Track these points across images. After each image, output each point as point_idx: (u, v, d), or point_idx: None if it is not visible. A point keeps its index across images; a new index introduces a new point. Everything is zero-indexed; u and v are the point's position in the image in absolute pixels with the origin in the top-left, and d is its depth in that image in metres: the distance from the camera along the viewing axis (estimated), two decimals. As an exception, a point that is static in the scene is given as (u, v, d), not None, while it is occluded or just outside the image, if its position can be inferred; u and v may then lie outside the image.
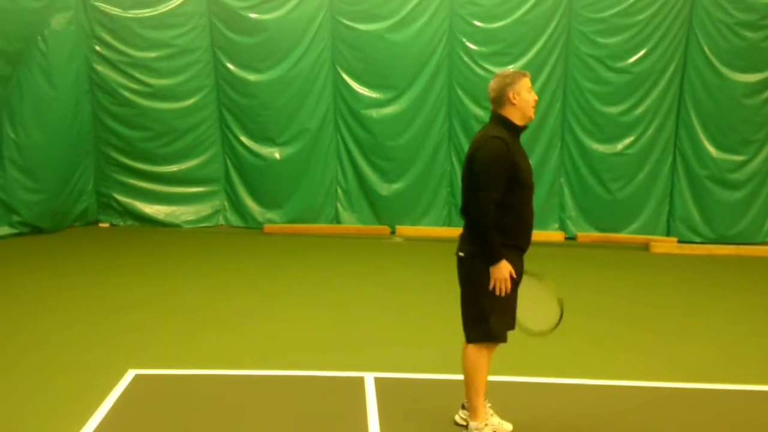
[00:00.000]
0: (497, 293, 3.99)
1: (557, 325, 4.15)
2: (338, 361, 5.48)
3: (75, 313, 6.72)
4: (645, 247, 10.49)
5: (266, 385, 5.02)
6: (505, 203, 4.00)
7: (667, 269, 9.35)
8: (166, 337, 6.11)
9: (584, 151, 10.97)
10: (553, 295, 4.17)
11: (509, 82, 4.08)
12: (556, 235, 10.93)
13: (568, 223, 11.11)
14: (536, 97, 4.12)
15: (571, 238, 10.97)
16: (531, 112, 4.09)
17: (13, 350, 5.70)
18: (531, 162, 4.24)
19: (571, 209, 11.14)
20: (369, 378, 5.06)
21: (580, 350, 5.95)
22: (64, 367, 5.33)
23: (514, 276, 4.01)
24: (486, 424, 4.20)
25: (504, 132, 4.05)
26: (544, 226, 10.95)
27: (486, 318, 4.07)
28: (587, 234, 10.97)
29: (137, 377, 5.07)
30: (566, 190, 11.14)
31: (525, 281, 4.18)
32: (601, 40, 10.68)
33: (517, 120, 4.09)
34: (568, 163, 11.08)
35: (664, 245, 10.48)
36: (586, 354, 5.89)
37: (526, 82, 4.07)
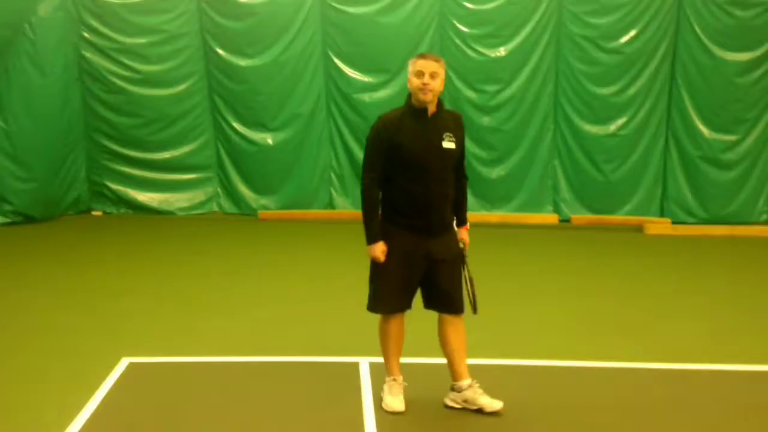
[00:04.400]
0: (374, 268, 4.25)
1: (472, 306, 4.31)
2: (333, 346, 5.49)
3: (69, 301, 6.71)
4: (639, 228, 10.49)
5: (260, 371, 5.02)
6: (394, 183, 4.13)
7: (661, 250, 9.36)
8: (160, 324, 6.10)
9: (577, 133, 10.95)
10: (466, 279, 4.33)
11: (408, 66, 4.18)
12: (550, 218, 10.95)
13: (562, 205, 11.10)
14: (424, 81, 4.03)
15: (565, 220, 10.97)
16: (420, 95, 4.07)
17: (7, 337, 5.69)
18: (448, 145, 4.14)
19: (565, 191, 11.12)
20: (364, 363, 5.06)
21: (574, 331, 5.96)
22: (58, 354, 5.32)
23: (381, 258, 4.15)
24: (393, 379, 4.39)
25: (400, 111, 4.16)
26: (538, 209, 10.99)
27: (370, 289, 4.34)
28: (581, 216, 10.96)
29: (131, 365, 5.05)
30: (560, 172, 11.11)
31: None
32: (592, 20, 10.64)
33: (415, 101, 4.13)
34: (561, 145, 11.05)
35: (658, 226, 10.48)
36: (579, 335, 5.90)
37: (415, 65, 4.09)
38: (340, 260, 8.50)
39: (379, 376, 4.61)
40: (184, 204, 11.19)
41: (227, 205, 11.29)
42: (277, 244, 9.46)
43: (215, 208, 11.27)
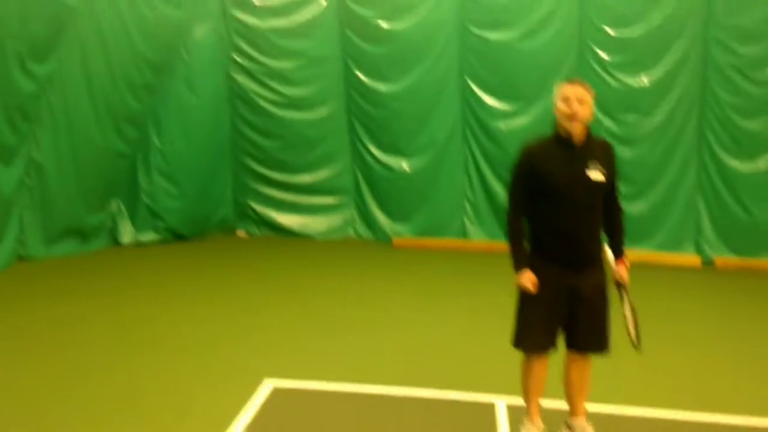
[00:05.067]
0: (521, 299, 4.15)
1: (634, 340, 4.21)
2: (468, 381, 5.48)
3: (215, 319, 7.07)
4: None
5: (397, 404, 5.09)
6: (539, 213, 4.06)
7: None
8: (299, 343, 6.37)
9: (723, 169, 10.45)
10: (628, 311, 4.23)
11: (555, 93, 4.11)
12: (691, 259, 10.46)
13: (705, 245, 10.60)
14: (571, 108, 3.93)
15: (707, 261, 10.46)
16: (566, 123, 3.97)
17: (160, 352, 6.05)
18: (595, 175, 4.01)
19: (708, 231, 10.61)
20: (500, 404, 5.03)
21: (711, 381, 5.73)
22: (203, 370, 5.64)
23: (531, 289, 4.04)
24: (531, 422, 4.31)
25: (545, 140, 4.09)
26: (678, 248, 10.55)
27: (515, 323, 4.24)
28: (725, 258, 10.42)
29: (275, 390, 5.25)
30: (703, 211, 10.63)
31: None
32: (740, 48, 10.17)
33: (560, 129, 4.03)
34: (705, 181, 10.58)
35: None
36: (716, 385, 5.65)
37: (562, 91, 4.01)
38: (473, 291, 8.54)
39: (516, 419, 4.60)
40: (322, 228, 11.47)
41: (363, 230, 11.50)
42: (411, 271, 9.57)
43: (351, 233, 11.49)
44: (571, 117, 3.94)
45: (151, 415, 4.80)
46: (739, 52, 10.19)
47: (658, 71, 10.43)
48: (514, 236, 4.15)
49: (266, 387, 5.29)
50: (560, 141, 4.03)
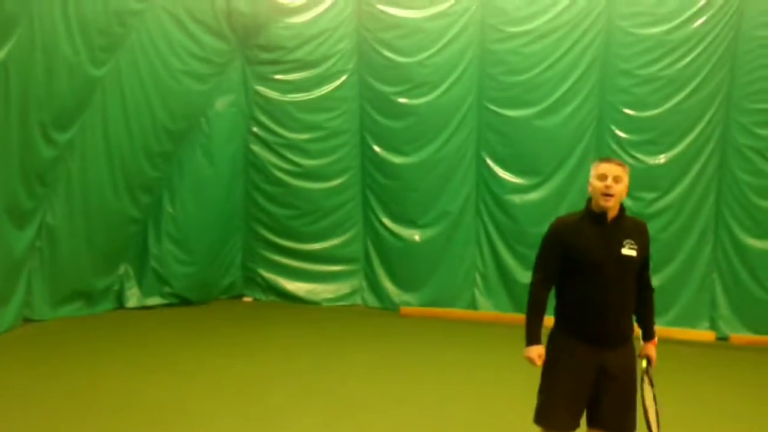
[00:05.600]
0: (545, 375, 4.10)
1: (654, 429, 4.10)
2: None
3: (214, 388, 6.92)
4: (806, 353, 9.60)
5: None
6: (568, 288, 4.04)
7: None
8: (304, 421, 6.15)
9: (739, 247, 10.24)
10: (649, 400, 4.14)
11: (591, 170, 4.13)
12: (706, 335, 10.19)
13: (720, 322, 10.33)
14: (607, 184, 3.95)
15: (722, 338, 10.20)
16: (600, 200, 3.98)
17: (155, 417, 5.92)
18: (627, 252, 3.99)
19: (724, 308, 10.35)
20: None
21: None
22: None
23: (536, 363, 4.04)
24: None
25: (580, 215, 4.12)
26: (693, 324, 10.29)
27: (537, 397, 4.15)
28: (741, 335, 10.15)
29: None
30: (718, 288, 10.38)
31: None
32: (759, 131, 10.10)
33: (594, 206, 4.05)
34: (721, 258, 10.36)
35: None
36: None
37: (598, 168, 4.03)
38: (481, 364, 8.36)
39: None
40: (330, 295, 11.39)
41: (370, 299, 11.39)
42: (418, 342, 9.41)
43: (359, 301, 11.40)
44: (606, 194, 3.95)
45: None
46: (759, 134, 10.10)
47: (677, 151, 10.35)
48: (534, 308, 4.11)
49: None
50: (593, 217, 4.05)
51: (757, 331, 10.16)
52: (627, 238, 4.00)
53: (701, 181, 10.32)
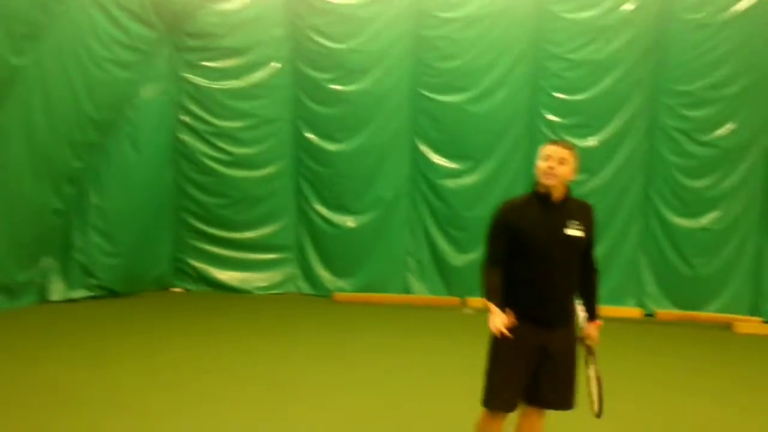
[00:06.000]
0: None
1: (596, 408, 4.14)
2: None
3: (149, 379, 6.70)
4: (727, 326, 9.91)
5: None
6: (514, 270, 4.00)
7: (751, 350, 8.82)
8: (236, 406, 6.01)
9: (666, 226, 10.56)
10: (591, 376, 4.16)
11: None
12: (633, 311, 10.46)
13: (646, 299, 10.62)
14: (550, 165, 3.93)
15: (649, 314, 10.46)
16: (543, 179, 3.97)
17: (85, 414, 5.69)
18: (573, 232, 3.98)
19: (650, 285, 10.65)
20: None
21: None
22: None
23: (501, 332, 3.81)
24: None
25: (526, 197, 4.07)
26: (621, 302, 10.52)
27: (486, 382, 4.10)
28: (666, 311, 10.44)
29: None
30: (645, 266, 10.68)
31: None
32: (687, 112, 10.37)
33: (540, 187, 4.02)
34: (648, 237, 10.65)
35: (749, 325, 9.89)
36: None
37: (544, 150, 4.02)
38: (415, 348, 8.31)
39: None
40: (263, 283, 11.26)
41: (304, 286, 11.30)
42: (352, 328, 9.32)
43: (292, 289, 11.29)
44: (549, 174, 3.94)
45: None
46: (687, 116, 10.37)
47: (606, 134, 10.53)
48: (491, 288, 4.00)
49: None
50: (539, 198, 4.02)
51: (681, 307, 10.49)
52: (572, 219, 4.00)
53: (631, 162, 10.56)
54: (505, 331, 3.81)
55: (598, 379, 4.13)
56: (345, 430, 5.54)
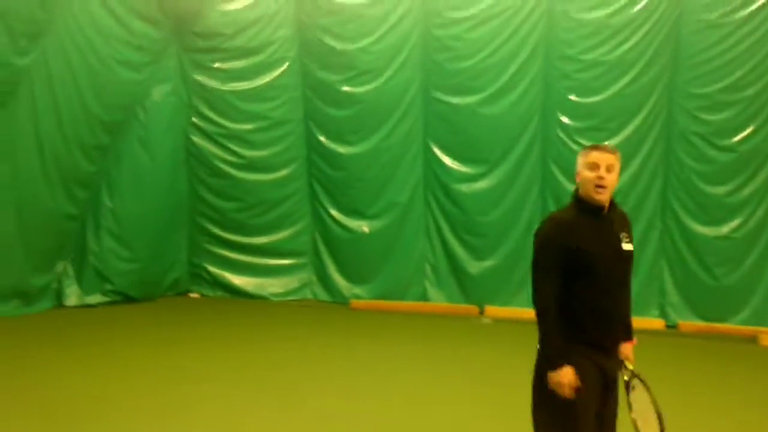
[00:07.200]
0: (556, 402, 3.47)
1: None
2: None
3: (151, 384, 6.68)
4: (753, 338, 9.66)
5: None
6: (572, 291, 3.52)
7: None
8: (256, 417, 5.95)
9: (687, 234, 10.35)
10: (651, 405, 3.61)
11: (577, 160, 3.69)
12: (655, 323, 10.23)
13: (669, 309, 10.41)
14: (599, 175, 3.52)
15: (671, 326, 10.27)
16: (592, 193, 3.53)
17: (88, 417, 5.67)
18: (626, 246, 3.61)
19: (673, 295, 10.44)
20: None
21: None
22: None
23: (575, 385, 3.39)
24: None
25: (572, 211, 3.62)
26: (642, 312, 10.26)
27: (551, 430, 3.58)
28: (690, 323, 10.23)
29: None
30: (667, 275, 10.46)
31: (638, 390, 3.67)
32: (704, 116, 10.17)
33: (587, 199, 3.60)
34: (668, 245, 10.44)
35: (774, 338, 9.69)
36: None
37: (588, 156, 3.59)
38: (429, 357, 8.24)
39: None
40: (278, 289, 11.18)
41: (320, 293, 11.22)
42: (368, 335, 9.26)
43: (309, 295, 11.21)
44: (599, 185, 3.53)
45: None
46: (704, 119, 10.18)
47: (621, 137, 10.38)
48: (551, 324, 3.51)
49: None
50: (588, 210, 3.60)
51: (705, 318, 10.27)
52: (622, 231, 3.64)
53: (647, 167, 10.37)
54: (570, 389, 3.41)
55: (656, 406, 3.59)
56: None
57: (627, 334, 3.78)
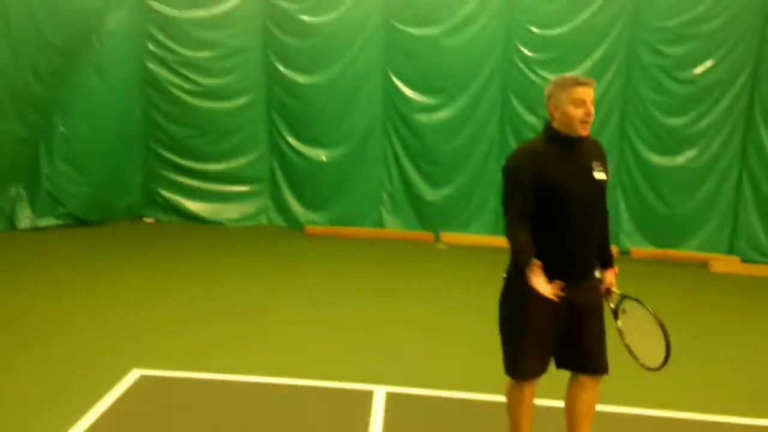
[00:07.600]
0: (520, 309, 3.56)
1: (665, 361, 3.56)
2: (353, 372, 5.25)
3: (100, 307, 6.69)
4: (704, 264, 9.90)
5: (272, 393, 4.86)
6: (540, 224, 3.52)
7: (727, 289, 8.85)
8: (183, 332, 6.03)
9: (643, 164, 10.41)
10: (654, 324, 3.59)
11: (551, 92, 3.60)
12: (607, 248, 10.43)
13: (622, 236, 10.53)
14: (587, 111, 3.47)
15: (624, 252, 10.42)
16: (578, 128, 3.49)
17: (34, 338, 5.69)
18: (599, 175, 3.60)
19: (626, 222, 10.56)
20: (380, 391, 4.82)
21: (620, 375, 5.53)
22: (73, 358, 5.35)
23: (552, 297, 3.33)
24: None
25: (542, 142, 3.60)
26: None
27: (504, 348, 3.70)
28: (642, 249, 10.41)
29: (142, 378, 4.95)
30: (621, 203, 10.54)
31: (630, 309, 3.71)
32: (665, 49, 10.15)
33: (563, 131, 3.56)
34: (624, 175, 10.50)
35: (725, 264, 9.87)
36: (626, 380, 5.44)
37: (573, 93, 3.50)
38: (382, 281, 8.30)
39: (395, 407, 4.38)
40: (234, 215, 11.09)
41: (276, 218, 11.15)
42: (321, 261, 9.29)
43: (264, 221, 11.13)
44: (587, 123, 3.50)
45: (9, 403, 4.54)
46: (664, 52, 10.17)
47: (581, 69, 10.31)
48: (522, 245, 3.47)
49: (133, 375, 5.00)
50: (561, 141, 3.58)
51: (657, 245, 10.44)
52: (594, 160, 3.62)
53: (606, 99, 10.32)
54: (558, 294, 3.35)
55: (662, 326, 3.56)
56: (310, 360, 5.55)
57: (607, 261, 3.81)
